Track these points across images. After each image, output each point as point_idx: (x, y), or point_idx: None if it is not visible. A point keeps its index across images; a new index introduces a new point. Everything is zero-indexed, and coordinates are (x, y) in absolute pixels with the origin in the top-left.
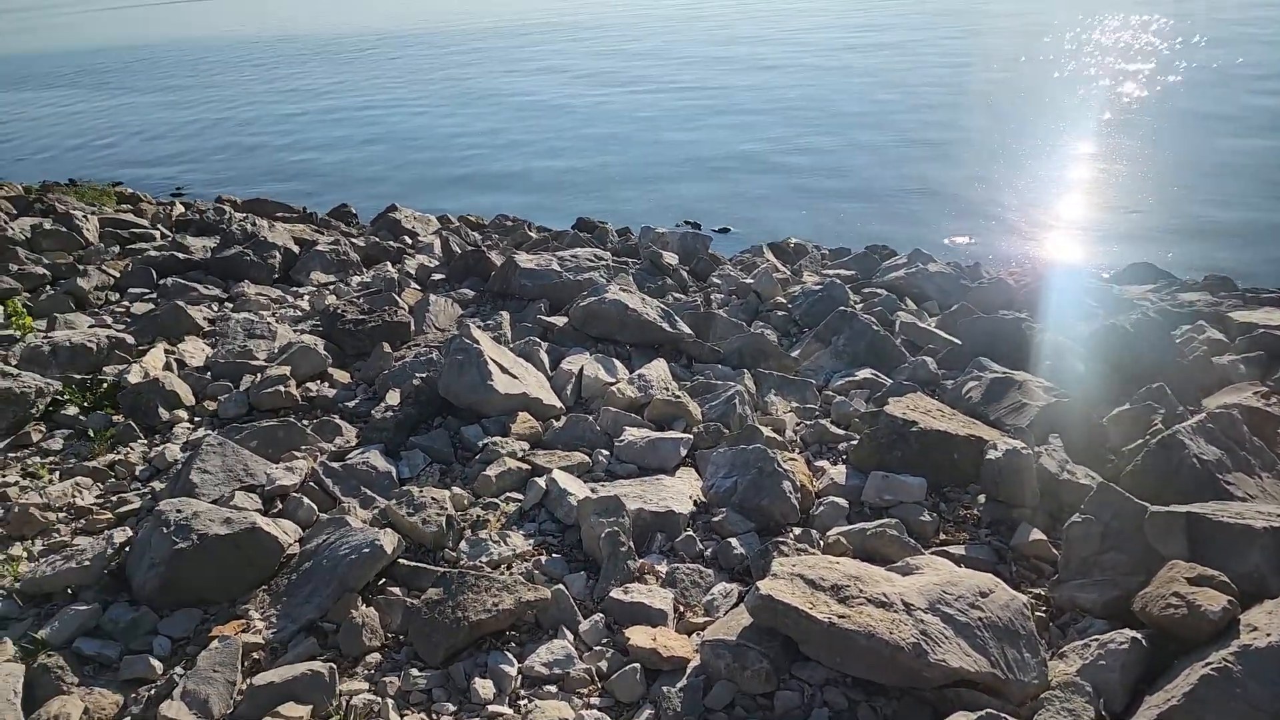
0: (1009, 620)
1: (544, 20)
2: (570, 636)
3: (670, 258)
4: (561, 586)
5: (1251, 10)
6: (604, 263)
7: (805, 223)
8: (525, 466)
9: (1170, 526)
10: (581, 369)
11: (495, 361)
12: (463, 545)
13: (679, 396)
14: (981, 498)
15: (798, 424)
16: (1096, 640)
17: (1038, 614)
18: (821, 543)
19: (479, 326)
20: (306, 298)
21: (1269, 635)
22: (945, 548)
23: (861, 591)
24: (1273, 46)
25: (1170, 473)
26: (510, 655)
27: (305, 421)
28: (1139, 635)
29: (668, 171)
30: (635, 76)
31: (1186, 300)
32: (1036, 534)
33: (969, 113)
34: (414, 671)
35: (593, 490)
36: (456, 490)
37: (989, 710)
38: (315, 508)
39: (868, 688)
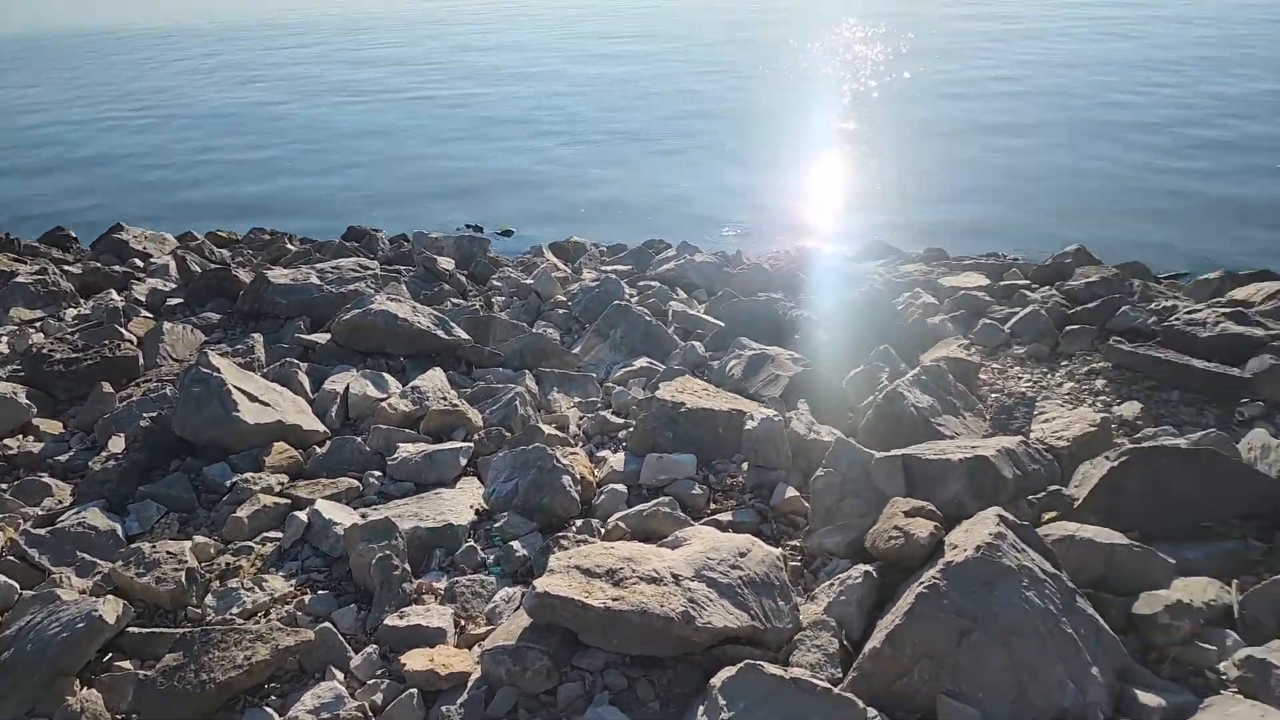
0: (764, 574)
1: (288, 21)
2: (340, 675)
3: (446, 263)
4: (328, 624)
5: (957, 23)
6: (371, 272)
7: (580, 230)
8: (284, 501)
9: (891, 469)
10: (347, 387)
11: (240, 389)
12: (209, 599)
13: (457, 405)
14: (745, 465)
15: (581, 418)
16: (838, 579)
17: (793, 563)
18: (603, 530)
19: (225, 353)
20: (4, 339)
21: (965, 551)
22: (716, 516)
23: (634, 571)
24: (966, 60)
25: (895, 421)
26: (270, 710)
27: (2, 485)
28: (870, 569)
29: (430, 187)
30: (389, 87)
31: (906, 271)
32: (791, 491)
33: (716, 121)
34: None
35: (363, 516)
36: (200, 539)
37: (747, 661)
38: (16, 585)
39: (645, 663)
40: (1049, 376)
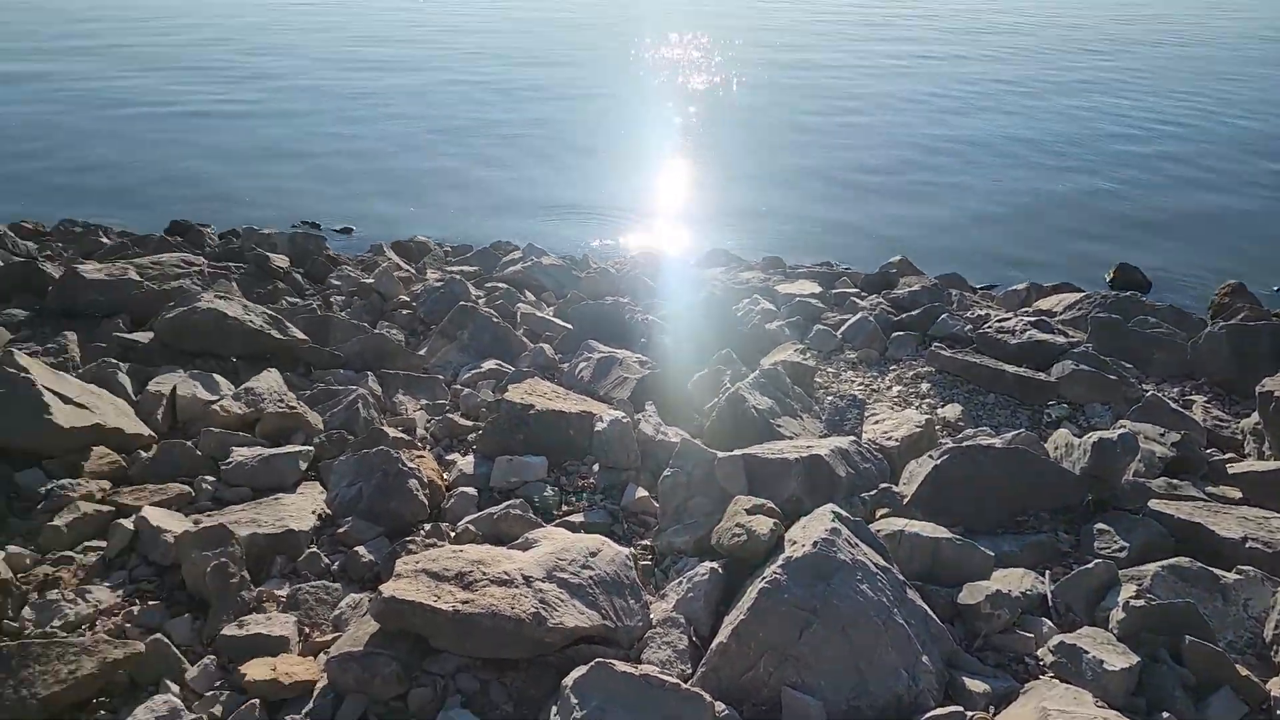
0: (615, 574)
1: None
2: (175, 688)
3: (280, 260)
4: (160, 636)
5: (788, 35)
6: (197, 269)
7: (423, 229)
8: (107, 508)
9: (733, 468)
10: (174, 389)
11: (53, 390)
12: (26, 612)
13: (295, 408)
14: (596, 466)
15: (428, 421)
16: (686, 577)
17: (644, 562)
18: (452, 534)
19: (34, 352)
20: None
21: (803, 546)
22: (567, 518)
23: (485, 574)
24: (806, 70)
25: (737, 422)
26: None
27: None
28: (716, 565)
29: (266, 180)
30: (213, 64)
31: (745, 278)
32: (641, 491)
33: (564, 126)
34: None
35: (195, 523)
36: (14, 549)
37: (598, 659)
38: None
39: (499, 665)
40: (879, 380)
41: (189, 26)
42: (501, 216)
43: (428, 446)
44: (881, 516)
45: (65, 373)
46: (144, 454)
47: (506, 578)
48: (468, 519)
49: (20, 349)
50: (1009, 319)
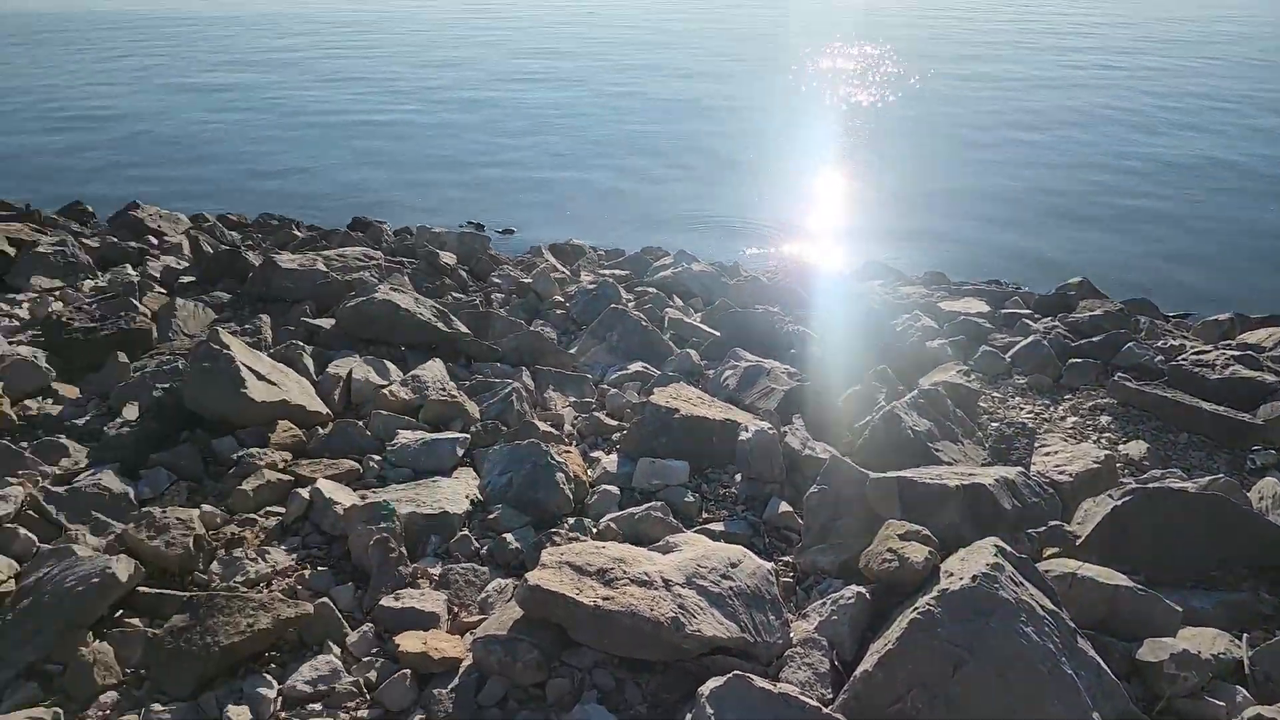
0: (756, 587)
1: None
2: (337, 650)
3: (448, 257)
4: (327, 600)
5: (955, 47)
6: (375, 262)
7: (581, 233)
8: (287, 478)
9: (886, 491)
10: (350, 372)
11: (249, 367)
12: (214, 566)
13: (455, 396)
14: (738, 476)
15: (575, 418)
16: (830, 598)
17: (785, 579)
18: (594, 530)
19: (234, 331)
20: (25, 305)
21: (961, 579)
22: (707, 525)
23: (625, 573)
24: (968, 86)
25: (892, 443)
26: (269, 677)
27: (24, 444)
28: (864, 590)
29: (436, 183)
30: (395, 77)
31: (905, 293)
32: (784, 506)
33: (720, 135)
34: (156, 707)
35: (362, 497)
36: (207, 508)
37: (735, 672)
38: (35, 538)
39: (634, 665)
40: (1051, 409)
41: (367, 44)
42: (655, 227)
43: (574, 442)
44: (1050, 556)
45: (259, 351)
46: (321, 430)
47: (647, 579)
48: (609, 517)
49: (224, 327)
50: (1208, 351)
